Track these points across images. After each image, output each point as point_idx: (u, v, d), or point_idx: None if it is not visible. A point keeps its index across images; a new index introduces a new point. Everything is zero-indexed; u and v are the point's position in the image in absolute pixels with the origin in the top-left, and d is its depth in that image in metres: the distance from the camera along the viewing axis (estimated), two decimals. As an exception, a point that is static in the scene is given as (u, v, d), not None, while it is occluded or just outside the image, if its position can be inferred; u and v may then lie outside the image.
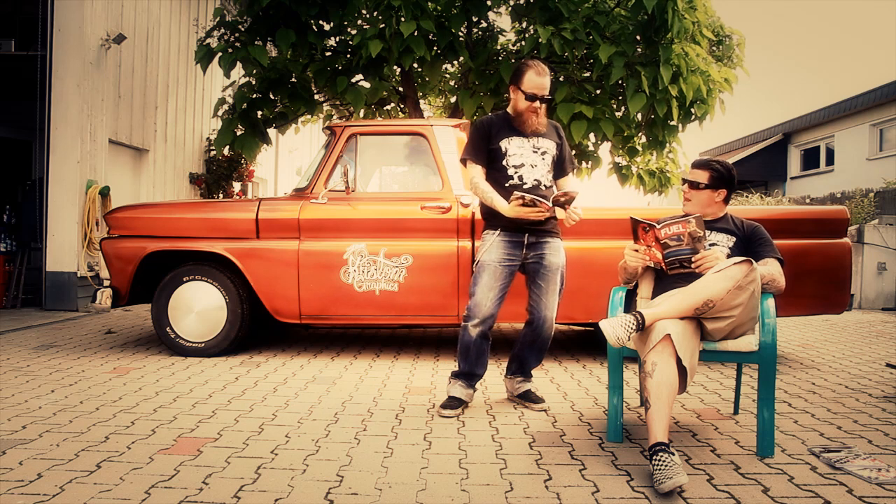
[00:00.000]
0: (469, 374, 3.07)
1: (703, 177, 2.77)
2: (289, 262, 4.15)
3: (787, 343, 5.11)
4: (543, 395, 3.27)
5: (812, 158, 17.99)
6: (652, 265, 2.68)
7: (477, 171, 3.05)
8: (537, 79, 2.94)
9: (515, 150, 3.01)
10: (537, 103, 2.96)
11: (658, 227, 2.55)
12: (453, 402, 3.02)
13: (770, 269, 2.57)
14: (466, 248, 4.11)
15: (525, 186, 2.97)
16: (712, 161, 2.81)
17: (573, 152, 6.95)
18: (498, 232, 3.01)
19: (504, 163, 3.01)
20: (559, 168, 3.12)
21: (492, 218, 3.06)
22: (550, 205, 2.80)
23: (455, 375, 3.11)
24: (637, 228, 2.64)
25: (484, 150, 3.04)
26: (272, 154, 12.82)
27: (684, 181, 2.84)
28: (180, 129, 8.74)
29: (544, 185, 3.01)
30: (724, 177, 2.77)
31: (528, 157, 3.00)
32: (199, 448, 2.45)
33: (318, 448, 2.48)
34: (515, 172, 2.99)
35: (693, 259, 2.53)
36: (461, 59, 6.73)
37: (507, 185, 2.98)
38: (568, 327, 5.66)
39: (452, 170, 4.21)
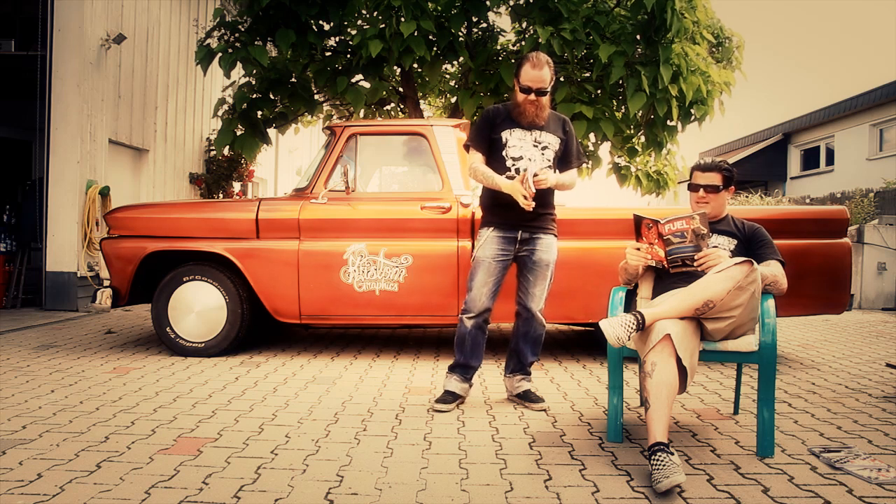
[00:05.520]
0: (464, 366, 3.11)
1: (717, 179, 2.76)
2: (289, 262, 4.15)
3: (787, 343, 5.11)
4: (543, 394, 3.27)
5: (812, 158, 18.00)
6: (654, 264, 2.68)
7: (477, 158, 3.10)
8: (532, 71, 2.96)
9: (516, 141, 3.03)
10: (533, 96, 2.97)
11: (662, 223, 2.55)
12: (447, 397, 3.07)
13: (773, 271, 2.57)
14: (466, 248, 4.11)
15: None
16: (717, 161, 2.81)
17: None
18: (492, 229, 3.07)
19: (503, 154, 3.04)
20: (563, 162, 3.13)
21: (488, 214, 3.12)
22: (533, 190, 2.83)
23: (451, 369, 3.15)
24: (640, 225, 2.64)
25: (486, 138, 3.09)
26: (272, 154, 12.82)
27: (697, 186, 2.78)
28: (180, 129, 8.74)
29: None
30: (732, 176, 2.80)
31: (527, 150, 3.02)
32: (199, 448, 2.45)
33: (318, 448, 2.48)
34: (513, 165, 3.02)
35: (696, 257, 2.52)
36: (461, 59, 6.72)
37: (504, 176, 3.00)
38: (568, 327, 5.66)
39: (452, 170, 4.21)
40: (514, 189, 2.88)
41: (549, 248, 3.09)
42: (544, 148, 3.05)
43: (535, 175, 2.86)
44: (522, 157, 3.01)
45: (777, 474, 2.25)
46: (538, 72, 2.96)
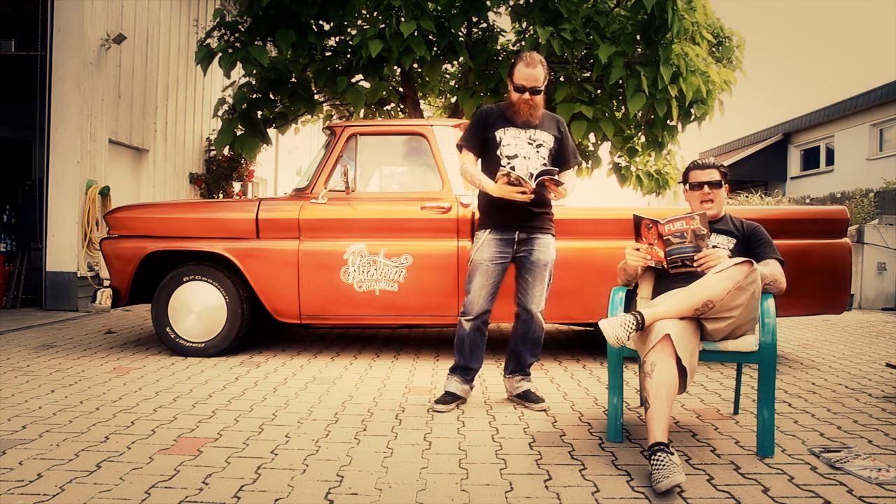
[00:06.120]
0: (465, 368, 3.11)
1: (716, 175, 2.79)
2: (289, 262, 4.15)
3: (787, 343, 5.11)
4: (543, 394, 3.27)
5: (812, 158, 18.00)
6: (653, 265, 2.68)
7: (469, 158, 3.11)
8: (526, 70, 2.96)
9: (510, 140, 3.03)
10: (527, 95, 2.98)
11: (661, 223, 2.55)
12: (447, 398, 3.07)
13: (772, 270, 2.57)
14: (466, 248, 4.11)
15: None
16: (711, 160, 2.84)
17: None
18: (489, 231, 3.06)
19: (498, 152, 3.04)
20: (560, 162, 3.12)
21: (484, 217, 3.12)
22: (533, 185, 2.83)
23: (452, 371, 3.16)
24: (640, 225, 2.64)
25: (479, 139, 3.09)
26: (272, 154, 12.82)
27: (700, 184, 2.79)
28: (180, 129, 8.74)
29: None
30: (726, 173, 2.82)
31: (522, 148, 3.02)
32: (199, 448, 2.46)
33: (318, 448, 2.48)
34: (508, 163, 3.01)
35: (696, 257, 2.52)
36: (461, 59, 6.73)
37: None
38: (568, 327, 5.66)
39: (452, 170, 4.21)
40: (503, 191, 2.87)
41: (547, 247, 3.09)
42: (539, 146, 3.05)
43: (557, 184, 2.85)
44: (517, 155, 3.01)
45: (777, 474, 2.25)
46: (532, 70, 2.96)
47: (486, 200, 3.10)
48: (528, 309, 3.09)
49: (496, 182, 2.90)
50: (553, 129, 3.12)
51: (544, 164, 3.04)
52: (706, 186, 2.78)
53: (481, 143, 3.09)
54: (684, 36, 6.18)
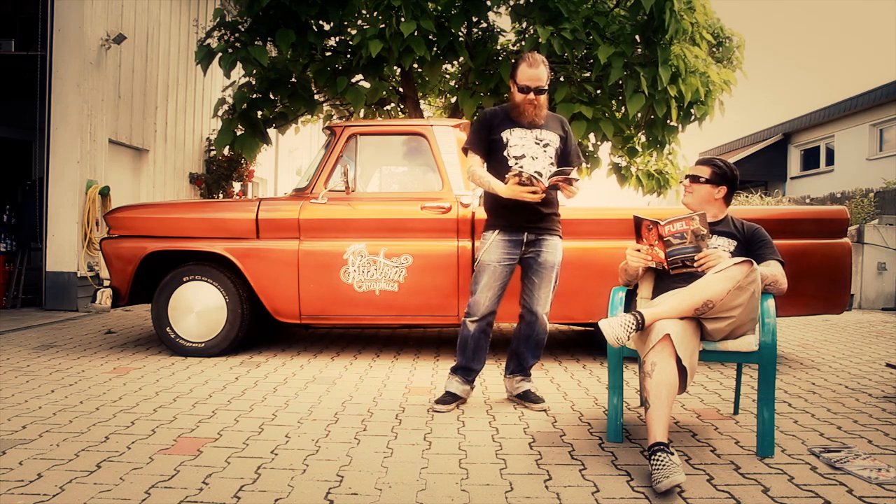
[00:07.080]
0: (466, 369, 3.11)
1: (704, 172, 2.79)
2: (289, 262, 4.15)
3: (787, 343, 5.11)
4: (543, 394, 3.27)
5: (812, 158, 18.00)
6: (654, 265, 2.68)
7: (476, 161, 3.10)
8: (529, 70, 2.96)
9: (517, 140, 3.02)
10: (531, 95, 2.97)
11: (662, 224, 2.55)
12: (447, 398, 3.07)
13: (773, 271, 2.58)
14: (466, 248, 4.11)
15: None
16: (716, 159, 2.84)
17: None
18: (497, 232, 3.04)
19: (505, 153, 3.03)
20: (564, 161, 3.12)
21: (492, 218, 3.09)
22: (546, 185, 2.82)
23: (453, 370, 3.15)
24: (640, 226, 2.64)
25: (485, 141, 3.08)
26: (272, 154, 12.82)
27: (686, 176, 2.85)
28: (180, 129, 8.74)
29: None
30: (725, 175, 2.79)
31: (529, 148, 3.02)
32: (199, 448, 2.46)
33: (318, 448, 2.48)
34: (516, 163, 3.00)
35: (696, 258, 2.53)
36: (461, 59, 6.73)
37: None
38: (568, 327, 5.66)
39: (452, 170, 4.21)
40: (514, 192, 2.86)
41: (554, 249, 3.08)
42: (546, 146, 3.04)
43: (570, 182, 2.84)
44: (524, 155, 3.01)
45: (777, 474, 2.25)
46: (535, 70, 2.96)
47: (493, 201, 3.08)
48: (534, 311, 3.08)
49: (506, 183, 2.89)
50: (558, 128, 3.12)
51: (552, 164, 3.04)
52: (688, 179, 2.83)
53: (487, 145, 3.08)
54: (683, 37, 6.18)
